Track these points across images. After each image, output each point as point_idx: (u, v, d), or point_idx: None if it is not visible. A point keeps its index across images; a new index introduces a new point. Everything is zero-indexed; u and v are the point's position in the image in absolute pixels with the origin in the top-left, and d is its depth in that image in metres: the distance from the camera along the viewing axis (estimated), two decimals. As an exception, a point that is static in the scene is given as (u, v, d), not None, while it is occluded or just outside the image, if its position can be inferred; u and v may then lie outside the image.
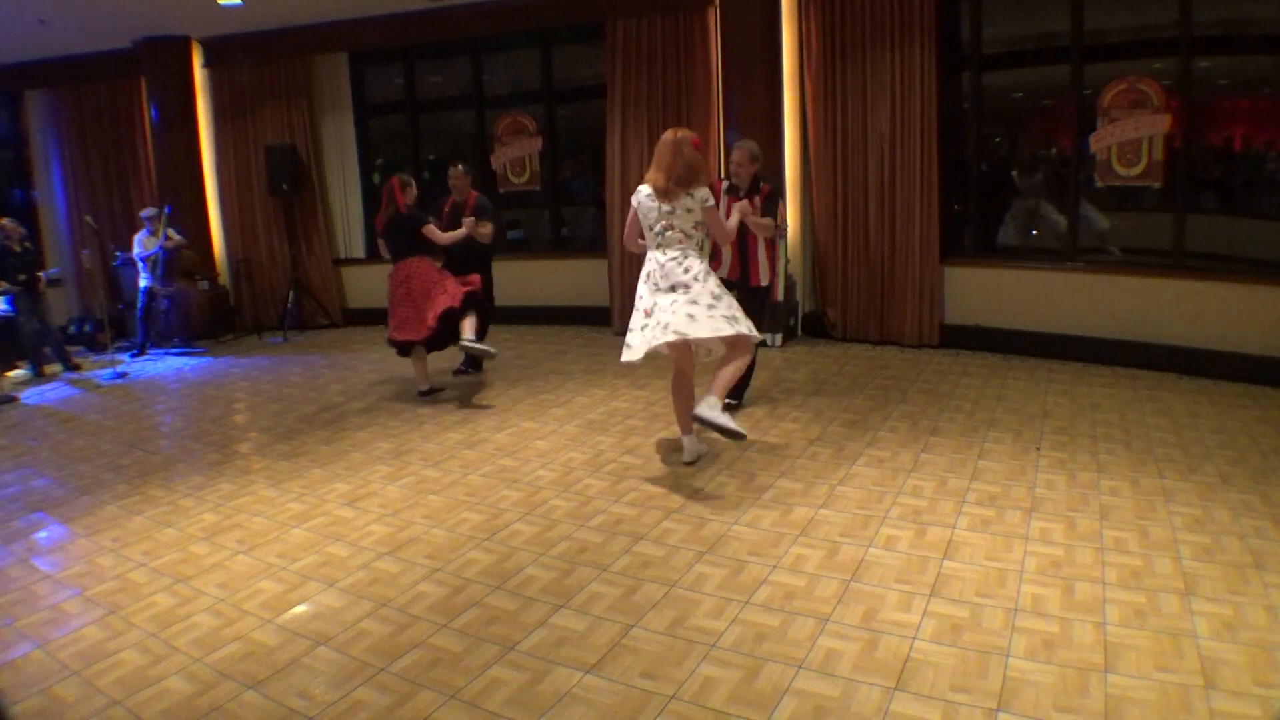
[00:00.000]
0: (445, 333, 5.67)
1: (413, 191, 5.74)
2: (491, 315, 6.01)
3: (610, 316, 7.98)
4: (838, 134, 6.83)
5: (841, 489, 3.92)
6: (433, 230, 5.72)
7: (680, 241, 4.09)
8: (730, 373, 4.05)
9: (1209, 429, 4.55)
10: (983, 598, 2.89)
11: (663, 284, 4.07)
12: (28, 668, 2.77)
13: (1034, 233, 6.95)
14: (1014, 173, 7.07)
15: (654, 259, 4.14)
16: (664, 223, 4.09)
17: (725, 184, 4.98)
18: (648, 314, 4.10)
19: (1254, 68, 6.11)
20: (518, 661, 2.67)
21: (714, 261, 4.77)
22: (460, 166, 6.11)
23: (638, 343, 4.08)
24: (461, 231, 5.76)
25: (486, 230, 5.86)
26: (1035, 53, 6.87)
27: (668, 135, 4.09)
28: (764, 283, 5.06)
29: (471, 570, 3.32)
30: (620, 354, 4.18)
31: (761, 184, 4.94)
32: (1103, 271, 6.12)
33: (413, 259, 5.71)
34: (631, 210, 4.22)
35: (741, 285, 4.89)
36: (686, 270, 4.04)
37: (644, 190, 4.14)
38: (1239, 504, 3.55)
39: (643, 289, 4.17)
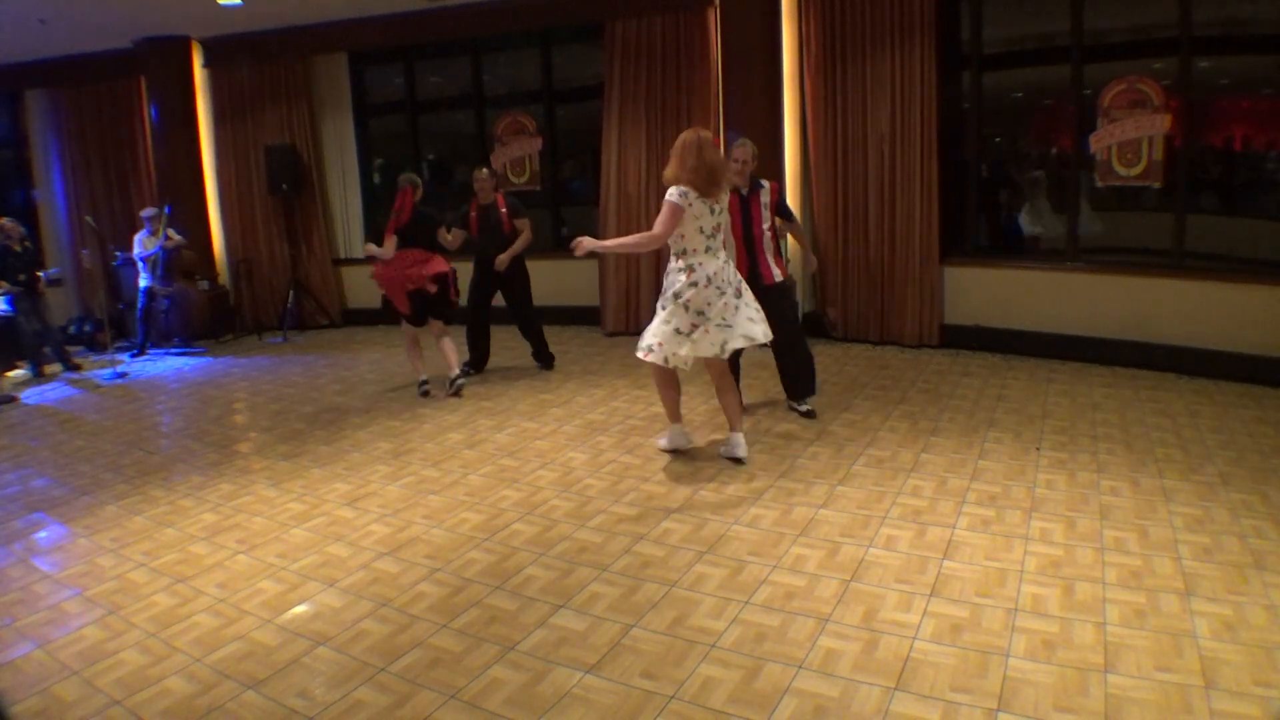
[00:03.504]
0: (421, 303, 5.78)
1: (420, 191, 5.81)
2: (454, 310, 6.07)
3: (601, 317, 7.99)
4: (838, 134, 6.83)
5: (841, 489, 3.92)
6: (444, 235, 5.87)
7: (723, 246, 4.18)
8: (735, 402, 4.40)
9: (1209, 429, 4.55)
10: (983, 598, 2.89)
11: (726, 289, 4.06)
12: (28, 668, 2.77)
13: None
14: (1039, 172, 7.06)
15: (709, 264, 4.04)
16: (716, 223, 4.10)
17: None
18: (696, 322, 4.02)
19: (1254, 68, 6.10)
20: (518, 661, 2.67)
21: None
22: (485, 170, 6.20)
23: (686, 349, 4.02)
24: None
25: (455, 239, 6.02)
26: (1035, 53, 6.87)
27: (690, 136, 4.01)
28: (777, 279, 4.81)
29: (471, 570, 3.32)
30: (640, 353, 4.13)
31: (765, 182, 4.84)
32: (1103, 271, 6.12)
33: (412, 250, 5.71)
34: (675, 208, 3.98)
35: (751, 286, 4.45)
36: (736, 276, 4.20)
37: (690, 192, 3.99)
38: (1239, 504, 3.55)
39: (691, 293, 4.02)
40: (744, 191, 4.75)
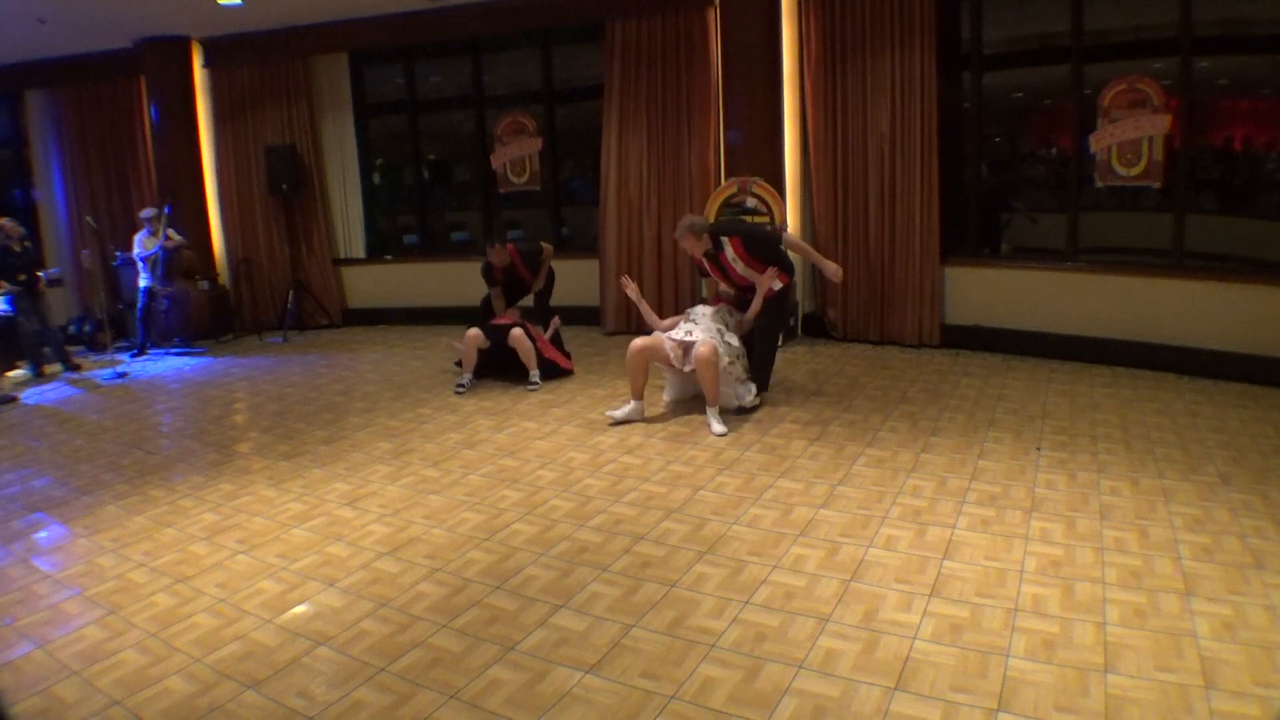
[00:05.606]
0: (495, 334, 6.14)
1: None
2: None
3: (601, 317, 8.00)
4: (838, 134, 6.83)
5: (841, 489, 3.92)
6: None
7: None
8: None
9: (1209, 429, 4.55)
10: (983, 598, 2.89)
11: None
12: (28, 668, 2.77)
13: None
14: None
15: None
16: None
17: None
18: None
19: (1254, 68, 6.11)
20: (518, 661, 2.67)
21: (717, 299, 5.66)
22: (497, 245, 6.29)
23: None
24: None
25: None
26: (1035, 53, 6.87)
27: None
28: (776, 289, 5.32)
29: (471, 570, 3.32)
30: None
31: (725, 240, 5.27)
32: (1103, 271, 6.12)
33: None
34: None
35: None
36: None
37: None
38: (1239, 504, 3.55)
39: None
40: (711, 253, 5.31)
